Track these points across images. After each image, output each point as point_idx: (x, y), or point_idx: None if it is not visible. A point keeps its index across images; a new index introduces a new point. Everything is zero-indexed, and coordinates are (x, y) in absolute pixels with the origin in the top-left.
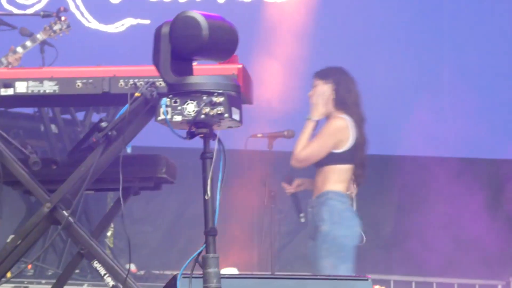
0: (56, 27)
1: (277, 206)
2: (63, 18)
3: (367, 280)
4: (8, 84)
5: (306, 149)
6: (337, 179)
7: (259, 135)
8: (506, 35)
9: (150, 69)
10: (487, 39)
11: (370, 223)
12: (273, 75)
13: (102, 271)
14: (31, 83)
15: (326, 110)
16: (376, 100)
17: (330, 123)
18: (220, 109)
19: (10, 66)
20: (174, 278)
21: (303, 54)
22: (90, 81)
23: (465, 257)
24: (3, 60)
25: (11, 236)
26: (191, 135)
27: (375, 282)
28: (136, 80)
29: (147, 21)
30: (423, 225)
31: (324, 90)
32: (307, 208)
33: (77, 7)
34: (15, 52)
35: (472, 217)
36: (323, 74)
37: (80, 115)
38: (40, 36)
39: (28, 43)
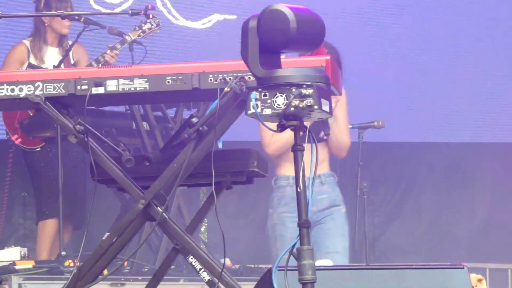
0: (146, 27)
1: (369, 197)
2: (151, 16)
3: (463, 268)
4: (99, 83)
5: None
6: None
7: (349, 126)
8: None
9: (238, 64)
10: None
11: (465, 211)
12: (361, 66)
13: (197, 266)
14: (121, 81)
15: None
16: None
17: (343, 102)
18: (309, 101)
19: (106, 64)
20: (269, 271)
21: (388, 45)
22: (180, 77)
23: None
24: (100, 58)
25: (107, 234)
26: (281, 128)
27: (471, 270)
28: (225, 75)
29: (234, 16)
30: None
31: None
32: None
33: (164, 4)
34: (113, 48)
35: None
36: None
37: (171, 112)
38: (129, 37)
39: (118, 45)
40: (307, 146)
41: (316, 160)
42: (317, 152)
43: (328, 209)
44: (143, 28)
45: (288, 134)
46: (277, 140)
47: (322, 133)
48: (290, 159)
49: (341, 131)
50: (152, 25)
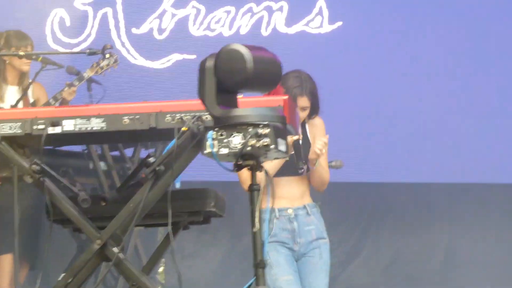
0: (104, 63)
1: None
2: (108, 56)
3: None
4: (55, 123)
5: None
6: None
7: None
8: None
9: (196, 103)
10: None
11: (423, 251)
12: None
13: None
14: (78, 120)
15: None
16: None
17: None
18: (266, 141)
19: (64, 101)
20: None
21: (347, 85)
22: (137, 117)
23: None
24: (58, 95)
25: (62, 274)
26: (238, 168)
27: None
28: (182, 115)
29: (193, 56)
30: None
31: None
32: (286, 217)
33: (123, 44)
34: (71, 85)
35: None
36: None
37: (128, 152)
38: (86, 74)
39: (76, 82)
40: (289, 178)
41: (272, 199)
42: (273, 191)
43: (316, 241)
44: (101, 64)
45: (266, 166)
46: None
47: (301, 166)
48: (276, 196)
49: (323, 167)
50: (110, 61)
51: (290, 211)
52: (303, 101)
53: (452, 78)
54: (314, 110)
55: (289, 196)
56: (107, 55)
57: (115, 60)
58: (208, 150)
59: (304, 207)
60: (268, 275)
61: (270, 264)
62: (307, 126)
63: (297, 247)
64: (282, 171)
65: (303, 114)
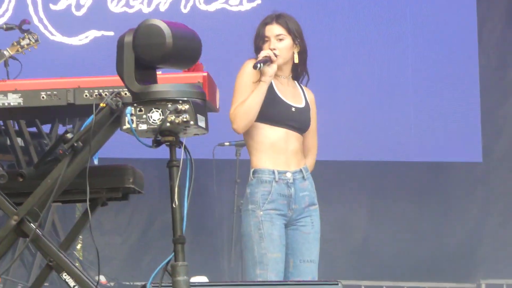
0: (24, 42)
1: None
2: (26, 35)
3: (337, 284)
4: None
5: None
6: None
7: (227, 143)
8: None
9: (115, 79)
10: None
11: (341, 229)
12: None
13: (71, 283)
14: None
15: None
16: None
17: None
18: (185, 117)
19: None
20: (144, 287)
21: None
22: (55, 92)
23: (435, 260)
24: None
25: None
26: (157, 144)
27: (346, 287)
28: (101, 91)
29: (111, 33)
30: (394, 229)
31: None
32: (285, 181)
33: (41, 20)
34: None
35: (438, 220)
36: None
37: (46, 128)
38: (7, 53)
39: None
40: (287, 131)
41: (191, 176)
42: (192, 167)
43: (307, 207)
44: (22, 43)
45: (249, 101)
46: (238, 111)
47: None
48: (272, 151)
49: (313, 138)
50: (30, 40)
51: (289, 175)
52: (273, 29)
53: (362, 55)
54: (301, 44)
55: (285, 153)
56: (28, 34)
57: (36, 39)
58: (126, 126)
59: (301, 170)
60: (257, 246)
61: (261, 235)
62: (306, 92)
63: (291, 213)
64: (280, 121)
65: (281, 45)
